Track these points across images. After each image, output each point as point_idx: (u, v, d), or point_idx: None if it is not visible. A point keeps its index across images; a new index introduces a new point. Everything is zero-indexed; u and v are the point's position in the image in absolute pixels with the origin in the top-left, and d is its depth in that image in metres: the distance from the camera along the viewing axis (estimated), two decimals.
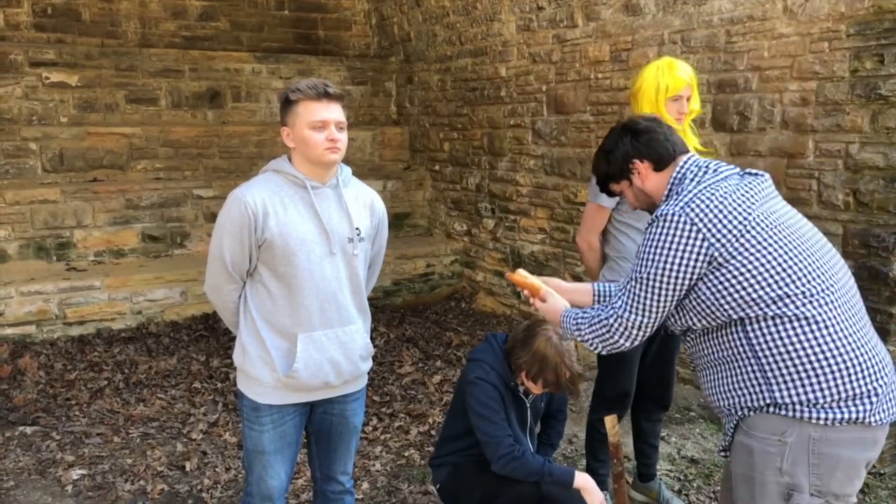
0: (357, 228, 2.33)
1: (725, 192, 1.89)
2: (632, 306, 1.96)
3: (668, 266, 1.87)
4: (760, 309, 1.83)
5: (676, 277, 1.88)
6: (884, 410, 1.82)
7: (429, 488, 3.44)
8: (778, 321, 1.82)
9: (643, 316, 1.95)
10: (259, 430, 2.34)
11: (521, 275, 2.30)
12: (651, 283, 1.91)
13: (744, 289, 1.83)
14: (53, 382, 4.63)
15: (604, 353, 2.08)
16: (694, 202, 1.88)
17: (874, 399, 1.80)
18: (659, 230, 1.89)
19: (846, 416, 1.79)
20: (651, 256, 1.90)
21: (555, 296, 2.23)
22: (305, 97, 2.20)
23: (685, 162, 2.02)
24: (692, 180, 1.97)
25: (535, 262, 5.85)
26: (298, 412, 2.38)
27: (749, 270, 1.82)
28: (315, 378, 2.30)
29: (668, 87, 2.77)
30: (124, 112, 6.71)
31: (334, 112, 2.22)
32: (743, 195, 1.91)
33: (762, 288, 1.82)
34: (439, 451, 2.88)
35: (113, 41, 7.06)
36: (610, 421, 2.64)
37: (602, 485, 3.18)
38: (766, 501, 1.87)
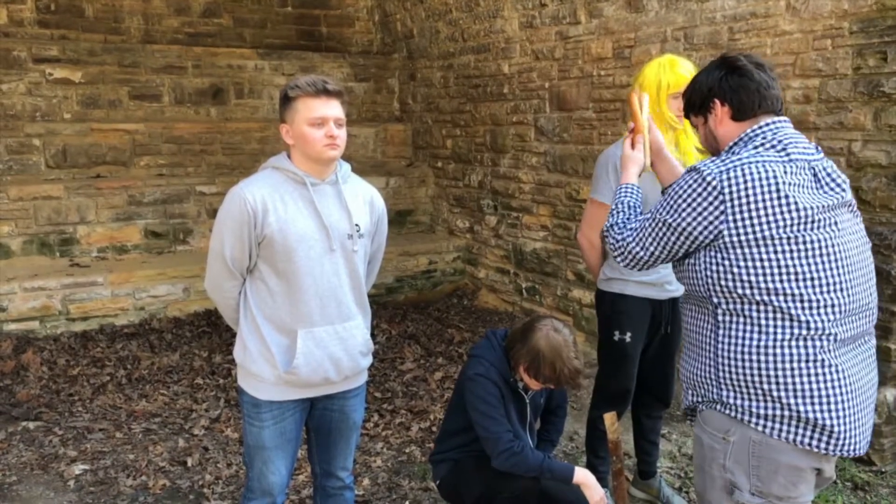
0: (357, 225, 2.33)
1: (777, 176, 1.76)
2: (637, 236, 1.97)
3: (679, 219, 1.86)
4: (740, 304, 1.81)
5: (681, 233, 1.87)
6: (827, 442, 1.77)
7: (429, 485, 3.45)
8: (748, 324, 1.80)
9: (642, 250, 1.96)
10: (259, 426, 2.35)
11: (639, 105, 2.25)
12: (659, 226, 1.91)
13: (734, 279, 1.80)
14: (56, 378, 4.64)
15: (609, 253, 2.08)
16: (737, 170, 1.78)
17: (818, 429, 1.76)
18: (691, 182, 1.84)
19: (783, 431, 1.78)
20: (671, 202, 1.88)
21: (643, 151, 2.20)
22: (304, 94, 2.20)
23: (766, 124, 1.88)
24: (756, 146, 1.85)
25: (538, 259, 5.85)
26: (299, 408, 2.39)
27: (747, 266, 1.77)
28: (315, 374, 2.30)
29: (669, 83, 2.76)
30: (127, 108, 6.72)
31: (333, 108, 2.22)
32: (794, 191, 1.76)
33: (751, 287, 1.78)
34: (439, 447, 2.88)
35: (116, 37, 7.07)
36: (609, 418, 2.64)
37: (602, 482, 3.18)
38: (714, 493, 1.92)
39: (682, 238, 1.87)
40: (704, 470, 1.93)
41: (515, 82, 5.86)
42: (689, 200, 1.83)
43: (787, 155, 1.82)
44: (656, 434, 3.32)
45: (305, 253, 2.24)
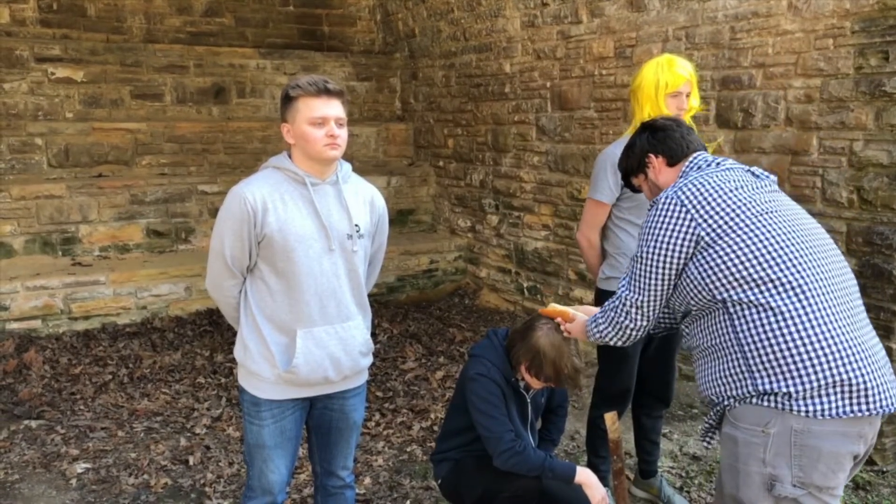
0: (356, 225, 2.33)
1: (721, 179, 2.01)
2: (632, 285, 2.09)
3: (660, 245, 2.00)
4: (743, 292, 1.88)
5: (668, 256, 1.99)
6: (866, 402, 1.82)
7: (430, 483, 3.45)
8: (760, 310, 1.86)
9: (641, 295, 2.07)
10: (259, 425, 2.35)
11: (553, 307, 2.52)
12: (647, 261, 2.03)
13: (727, 268, 1.90)
14: (58, 377, 4.65)
15: (619, 343, 2.19)
16: (687, 186, 2.01)
17: (854, 390, 1.81)
18: (655, 213, 2.03)
19: (825, 407, 1.81)
20: (647, 237, 2.04)
21: (580, 314, 2.40)
22: (305, 93, 2.20)
23: (695, 157, 2.15)
24: (695, 170, 2.10)
25: (539, 258, 5.85)
26: (298, 407, 2.39)
27: (734, 251, 1.90)
28: (314, 374, 2.31)
29: (667, 83, 2.76)
30: (129, 107, 6.73)
31: (334, 108, 2.22)
32: (740, 184, 2.01)
33: (745, 269, 1.89)
34: (440, 446, 2.89)
35: (118, 37, 7.08)
36: (610, 418, 2.64)
37: (603, 481, 3.18)
38: (749, 491, 1.90)
39: (670, 261, 2.00)
40: (739, 469, 1.92)
41: (517, 81, 5.86)
42: (661, 225, 2.00)
43: (724, 169, 2.08)
44: (657, 433, 3.32)
45: (305, 252, 2.25)
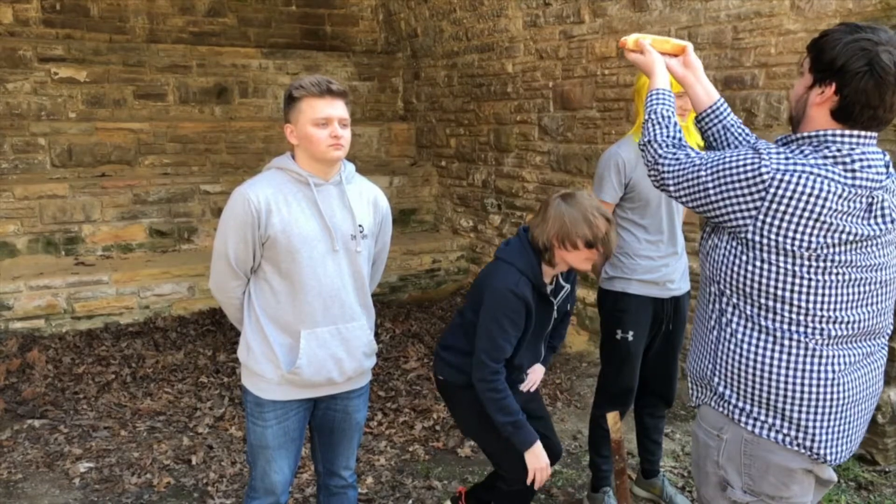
0: (360, 225, 2.34)
1: (828, 198, 1.64)
2: (675, 173, 1.85)
3: (715, 189, 1.75)
4: (746, 305, 1.77)
5: (710, 202, 1.77)
6: (814, 451, 1.77)
7: (433, 483, 3.45)
8: (752, 326, 1.78)
9: (673, 185, 1.85)
10: (263, 426, 2.36)
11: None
12: (697, 180, 1.79)
13: (744, 277, 1.75)
14: (61, 376, 4.66)
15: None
16: (794, 176, 1.65)
17: (807, 442, 1.77)
18: (747, 161, 1.71)
19: (773, 436, 1.79)
20: (719, 169, 1.75)
21: (653, 59, 2.10)
22: (309, 94, 2.20)
23: (850, 135, 1.69)
24: (826, 157, 1.68)
25: None
26: (302, 408, 2.40)
27: (762, 270, 1.72)
28: (318, 375, 2.31)
29: (671, 82, 2.75)
30: (132, 107, 6.74)
31: (338, 109, 2.22)
32: (843, 216, 1.66)
33: (759, 289, 1.74)
34: (452, 351, 2.64)
35: (121, 37, 7.10)
36: (612, 417, 2.64)
37: (605, 481, 3.19)
38: (708, 489, 1.93)
39: (708, 205, 1.78)
40: (700, 466, 1.95)
41: (519, 81, 5.86)
42: (734, 179, 1.71)
43: (853, 178, 1.67)
44: (659, 433, 3.32)
45: (309, 254, 2.25)
